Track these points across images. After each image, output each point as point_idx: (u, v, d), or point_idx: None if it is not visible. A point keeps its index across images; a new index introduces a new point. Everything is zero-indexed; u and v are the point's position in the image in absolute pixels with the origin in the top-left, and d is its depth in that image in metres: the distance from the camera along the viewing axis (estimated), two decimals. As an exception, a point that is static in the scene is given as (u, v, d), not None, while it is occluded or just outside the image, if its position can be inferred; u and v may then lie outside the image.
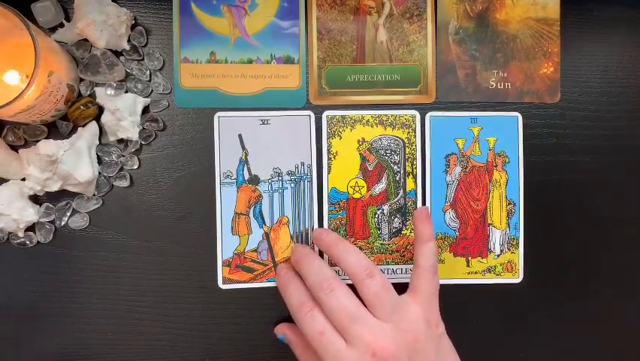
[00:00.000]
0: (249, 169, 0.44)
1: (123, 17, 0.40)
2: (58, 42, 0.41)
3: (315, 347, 0.36)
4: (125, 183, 0.43)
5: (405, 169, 0.45)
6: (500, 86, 0.45)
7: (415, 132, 0.45)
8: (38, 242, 0.42)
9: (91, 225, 0.43)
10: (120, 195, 0.43)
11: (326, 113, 0.44)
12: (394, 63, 0.45)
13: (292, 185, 0.44)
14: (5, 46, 0.36)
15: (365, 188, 0.45)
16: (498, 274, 0.45)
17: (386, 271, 0.45)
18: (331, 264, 0.43)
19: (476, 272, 0.45)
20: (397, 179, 0.45)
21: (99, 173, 0.42)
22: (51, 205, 0.42)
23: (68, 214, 0.42)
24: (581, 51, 0.46)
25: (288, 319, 0.43)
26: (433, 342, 0.37)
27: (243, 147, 0.43)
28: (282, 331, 0.42)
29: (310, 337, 0.37)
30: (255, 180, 0.44)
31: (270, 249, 0.44)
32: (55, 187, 0.40)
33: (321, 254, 0.43)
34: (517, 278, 0.45)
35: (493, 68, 0.45)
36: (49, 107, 0.38)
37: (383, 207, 0.45)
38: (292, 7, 0.44)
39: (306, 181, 0.44)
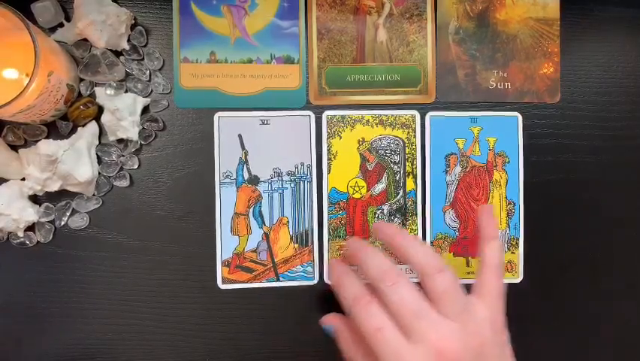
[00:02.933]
0: (248, 169, 0.44)
1: (123, 17, 0.40)
2: (58, 42, 0.41)
3: (372, 344, 0.33)
4: (125, 183, 0.43)
5: (405, 169, 0.45)
6: (500, 86, 0.45)
7: (414, 132, 0.45)
8: (38, 242, 0.42)
9: (91, 225, 0.43)
10: (120, 195, 0.43)
11: (326, 113, 0.44)
12: (394, 63, 0.45)
13: (292, 185, 0.44)
14: (5, 46, 0.36)
15: (365, 188, 0.44)
16: (498, 274, 0.45)
17: (386, 271, 0.45)
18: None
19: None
20: (397, 179, 0.45)
21: (99, 173, 0.42)
22: (51, 205, 0.42)
23: (68, 214, 0.42)
24: (581, 51, 0.46)
25: (288, 320, 0.43)
26: (498, 348, 0.35)
27: (243, 147, 0.43)
28: (330, 321, 0.39)
29: (367, 332, 0.34)
30: (254, 180, 0.44)
31: (270, 249, 0.44)
32: (55, 187, 0.40)
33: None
34: (517, 278, 0.45)
35: (493, 68, 0.45)
36: (49, 107, 0.38)
37: (383, 207, 0.45)
38: (292, 7, 0.44)
39: (305, 181, 0.44)
